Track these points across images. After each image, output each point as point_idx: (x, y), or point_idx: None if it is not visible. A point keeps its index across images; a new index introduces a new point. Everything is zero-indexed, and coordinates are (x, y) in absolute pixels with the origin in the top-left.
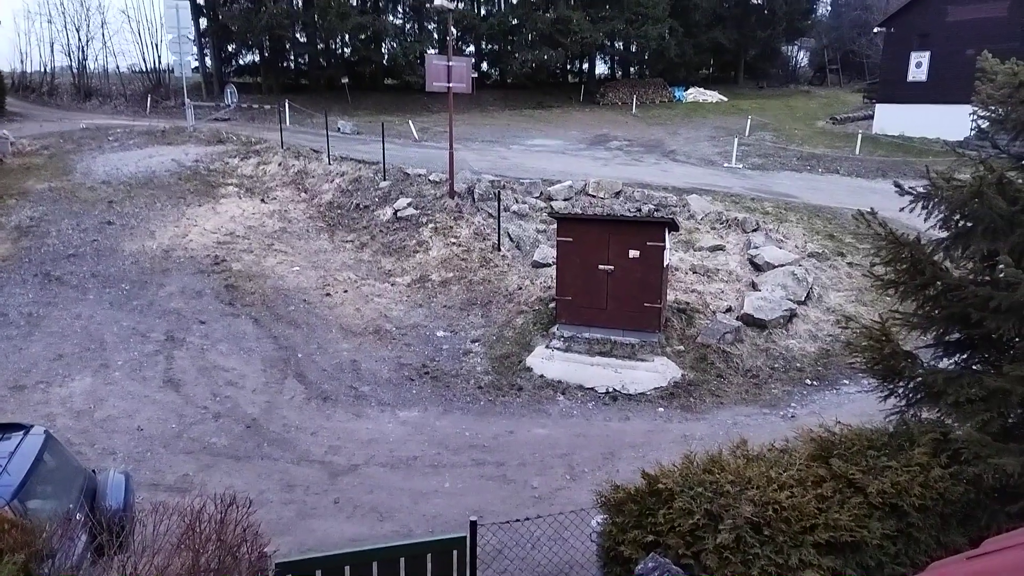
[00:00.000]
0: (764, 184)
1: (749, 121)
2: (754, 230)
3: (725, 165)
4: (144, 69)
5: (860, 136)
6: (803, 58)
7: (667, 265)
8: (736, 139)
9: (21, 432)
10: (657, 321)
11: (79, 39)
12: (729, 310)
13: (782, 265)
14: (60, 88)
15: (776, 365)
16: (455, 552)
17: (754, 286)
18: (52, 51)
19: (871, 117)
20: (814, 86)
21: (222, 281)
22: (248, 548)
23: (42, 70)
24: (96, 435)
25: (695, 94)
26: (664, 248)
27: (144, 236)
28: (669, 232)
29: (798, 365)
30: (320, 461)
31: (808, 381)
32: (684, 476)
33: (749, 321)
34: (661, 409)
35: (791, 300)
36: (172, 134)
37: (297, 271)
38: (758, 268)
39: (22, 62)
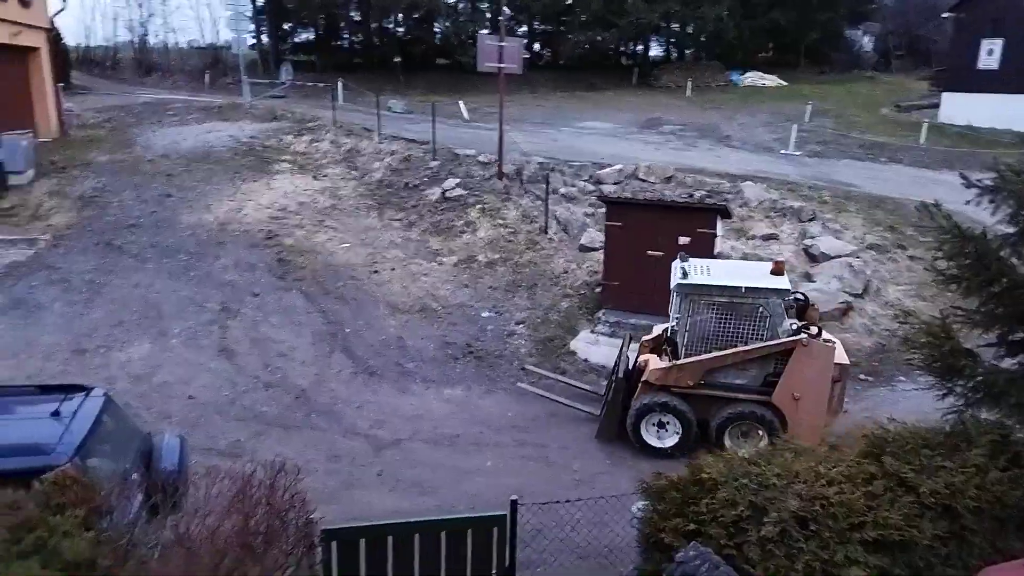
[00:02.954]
0: (822, 172)
1: (809, 107)
2: (810, 219)
3: (782, 152)
4: (203, 45)
5: (925, 125)
6: (867, 43)
7: (718, 253)
8: (795, 125)
9: (83, 394)
10: None
11: (141, 14)
12: None
13: (839, 256)
14: (122, 63)
15: None
16: (495, 529)
17: (808, 277)
18: (115, 26)
19: (937, 106)
20: (878, 72)
21: (275, 255)
22: (296, 514)
23: (106, 45)
24: (153, 399)
25: (753, 78)
26: (715, 235)
27: (201, 209)
28: (721, 219)
29: (852, 359)
30: (365, 434)
31: (862, 376)
32: (729, 467)
33: None
34: None
35: (847, 292)
36: (229, 110)
37: (346, 248)
38: (813, 259)
39: (87, 37)
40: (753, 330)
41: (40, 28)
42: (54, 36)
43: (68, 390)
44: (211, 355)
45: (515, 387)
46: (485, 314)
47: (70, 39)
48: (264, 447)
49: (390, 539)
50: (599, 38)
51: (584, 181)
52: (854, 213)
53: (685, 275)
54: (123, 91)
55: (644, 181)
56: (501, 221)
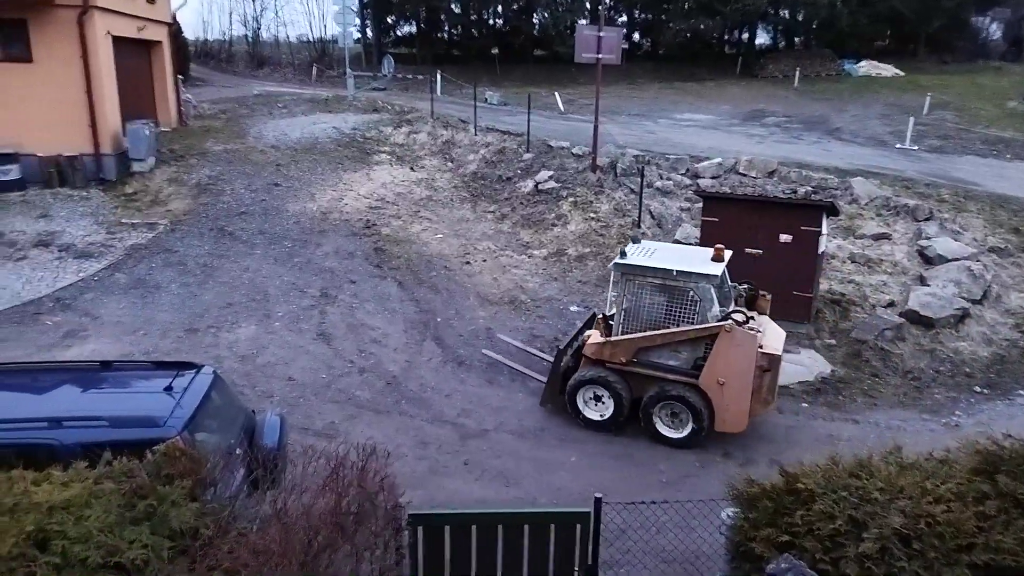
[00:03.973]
0: (941, 168)
1: (928, 99)
2: (926, 219)
3: (897, 146)
4: (311, 39)
5: None
6: (995, 30)
7: (822, 252)
8: (912, 118)
9: (193, 371)
10: (807, 311)
11: (254, 9)
12: (891, 304)
13: (957, 259)
14: (237, 56)
15: (941, 368)
16: (578, 526)
17: (922, 280)
18: (231, 21)
19: None
20: (1006, 62)
21: (372, 244)
22: (385, 497)
23: (221, 38)
24: (257, 379)
25: (868, 68)
26: (820, 234)
27: (305, 198)
28: (827, 217)
29: (967, 370)
30: (452, 422)
31: (977, 388)
32: (827, 478)
33: (913, 318)
34: (805, 405)
35: (964, 298)
36: (333, 102)
37: (440, 238)
38: (928, 261)
39: (204, 31)
40: (684, 313)
41: (162, 23)
42: (175, 30)
43: (180, 367)
44: (310, 338)
45: (482, 355)
46: (574, 308)
47: (189, 33)
48: (356, 430)
49: (474, 528)
50: (702, 26)
51: (680, 175)
52: (975, 213)
53: (623, 255)
54: (237, 83)
55: (744, 175)
56: (593, 214)
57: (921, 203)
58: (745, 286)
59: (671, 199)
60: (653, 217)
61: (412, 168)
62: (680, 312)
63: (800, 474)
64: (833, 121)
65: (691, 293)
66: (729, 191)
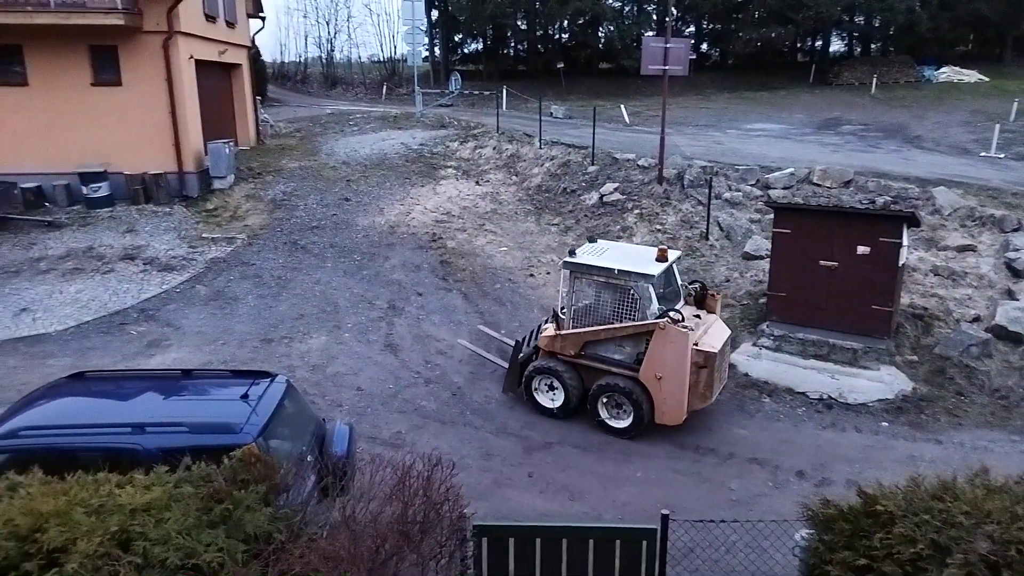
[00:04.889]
0: None
1: (1015, 105)
2: (1015, 230)
3: (982, 154)
4: (381, 59)
5: None
6: None
7: (903, 264)
8: (998, 125)
9: (268, 379)
10: (886, 326)
11: (328, 32)
12: (977, 319)
13: None
14: (311, 77)
15: None
16: (644, 543)
17: (1011, 294)
18: (306, 43)
19: None
20: None
21: (438, 257)
22: (450, 507)
23: (297, 60)
24: (327, 388)
25: (949, 74)
26: (900, 245)
27: (374, 213)
28: (908, 228)
29: None
30: (517, 435)
31: None
32: (908, 500)
33: (1002, 334)
34: (885, 424)
35: None
36: (402, 119)
37: (504, 251)
38: (1017, 274)
39: (281, 53)
40: (626, 310)
41: (242, 46)
42: (254, 54)
43: (256, 376)
44: (378, 349)
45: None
46: None
47: (267, 56)
48: (422, 440)
49: (539, 541)
50: (773, 35)
51: (750, 186)
52: None
53: (572, 254)
54: (311, 103)
55: (818, 186)
56: (659, 226)
57: (1008, 213)
58: (696, 285)
59: (740, 210)
60: (722, 229)
61: (477, 182)
62: (623, 309)
63: (879, 495)
64: (913, 129)
65: (632, 291)
66: (802, 202)
